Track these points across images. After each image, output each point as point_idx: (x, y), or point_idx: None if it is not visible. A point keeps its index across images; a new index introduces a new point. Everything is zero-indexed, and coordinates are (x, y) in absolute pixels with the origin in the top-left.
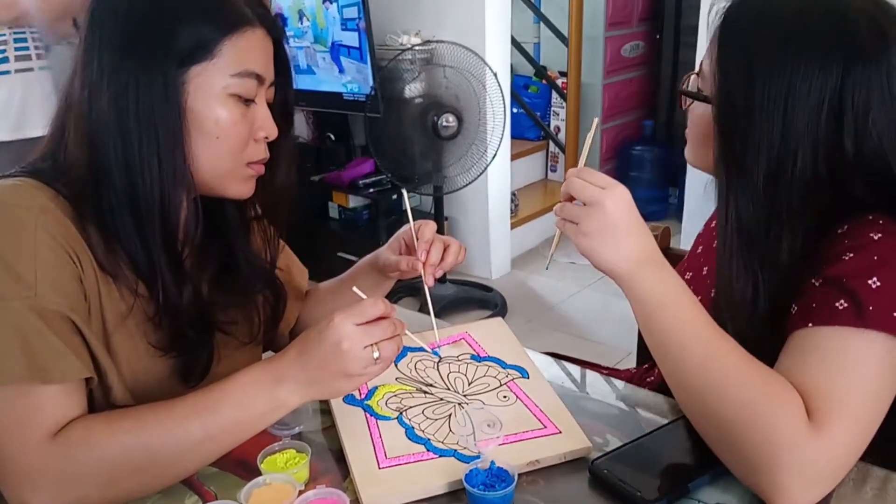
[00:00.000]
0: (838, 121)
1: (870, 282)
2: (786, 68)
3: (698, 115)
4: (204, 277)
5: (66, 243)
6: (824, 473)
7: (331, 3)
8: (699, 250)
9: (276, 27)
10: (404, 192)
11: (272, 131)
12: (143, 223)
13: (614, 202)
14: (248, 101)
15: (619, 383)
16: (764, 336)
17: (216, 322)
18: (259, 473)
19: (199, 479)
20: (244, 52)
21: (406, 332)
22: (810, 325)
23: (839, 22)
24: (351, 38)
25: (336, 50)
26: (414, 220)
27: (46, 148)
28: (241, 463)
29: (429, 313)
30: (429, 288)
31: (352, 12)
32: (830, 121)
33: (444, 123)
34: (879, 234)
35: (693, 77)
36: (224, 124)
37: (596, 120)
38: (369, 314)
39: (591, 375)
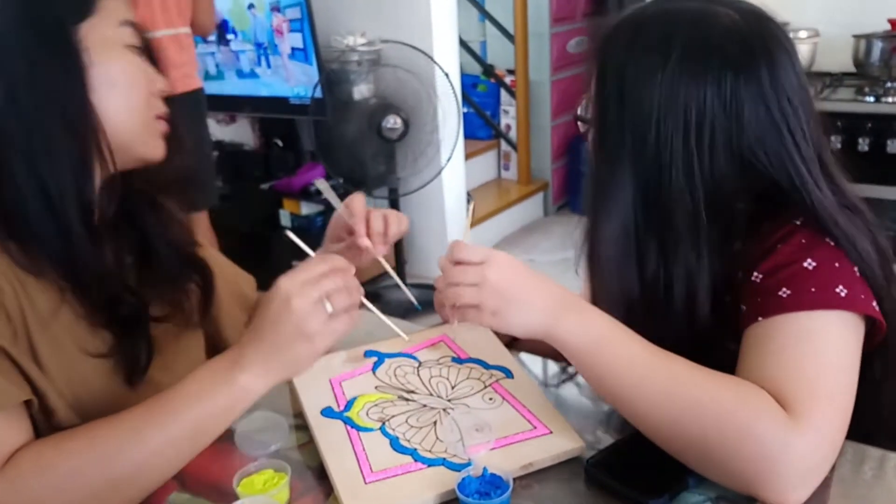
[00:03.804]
0: (712, 138)
1: (805, 264)
2: (655, 91)
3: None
4: (126, 268)
5: None
6: (816, 462)
7: (278, 12)
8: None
9: None
10: (318, 182)
11: (165, 85)
12: (53, 203)
13: (497, 273)
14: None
15: None
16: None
17: (148, 315)
18: (236, 497)
19: None
20: (120, 3)
21: (368, 303)
22: (759, 319)
23: (705, 41)
24: (294, 40)
25: (271, 50)
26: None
27: None
28: (216, 487)
29: (403, 305)
30: (384, 258)
31: (294, 13)
32: (703, 139)
33: (389, 125)
34: (801, 219)
35: (587, 99)
36: (131, 70)
37: (472, 204)
38: (315, 270)
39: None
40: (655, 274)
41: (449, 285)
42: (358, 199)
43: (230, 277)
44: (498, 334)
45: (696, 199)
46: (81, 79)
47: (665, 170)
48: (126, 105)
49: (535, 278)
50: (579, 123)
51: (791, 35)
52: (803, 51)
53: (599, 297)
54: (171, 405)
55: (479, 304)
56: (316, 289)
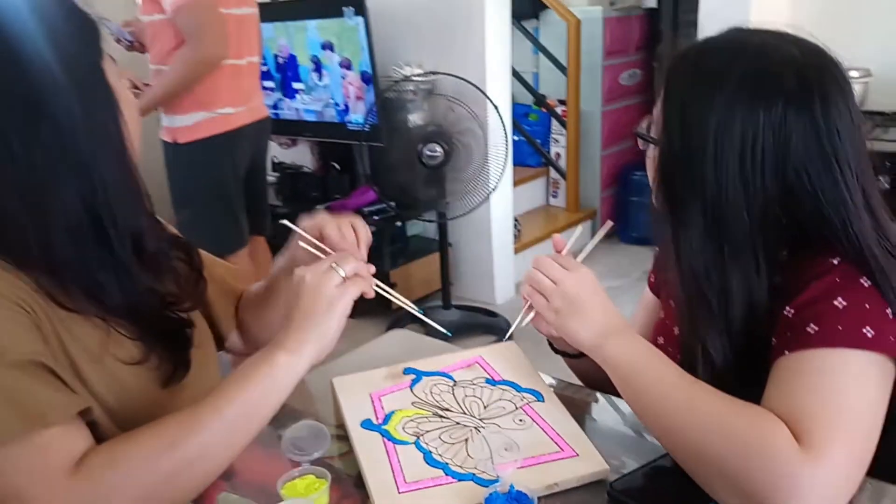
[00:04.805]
0: (763, 160)
1: (835, 302)
2: (713, 113)
3: (651, 158)
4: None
5: (11, 294)
6: (828, 496)
7: (331, 51)
8: (661, 315)
9: None
10: (286, 222)
11: None
12: (107, 236)
13: (575, 283)
14: None
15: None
16: (733, 389)
17: (167, 309)
18: (279, 499)
19: None
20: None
21: (381, 284)
22: (786, 352)
23: (764, 71)
24: (356, 78)
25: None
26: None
27: None
28: (262, 488)
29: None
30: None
31: (355, 52)
32: (756, 161)
33: (429, 153)
34: (839, 258)
35: (648, 120)
36: (132, 99)
37: (609, 223)
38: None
39: (608, 400)
40: (717, 285)
41: (537, 271)
42: (327, 222)
43: (217, 275)
44: (561, 352)
45: (752, 215)
46: (118, 112)
47: (723, 187)
48: (136, 132)
49: (603, 302)
50: (638, 140)
51: None
52: (855, 90)
53: (673, 312)
54: (223, 392)
55: (549, 298)
56: (324, 262)
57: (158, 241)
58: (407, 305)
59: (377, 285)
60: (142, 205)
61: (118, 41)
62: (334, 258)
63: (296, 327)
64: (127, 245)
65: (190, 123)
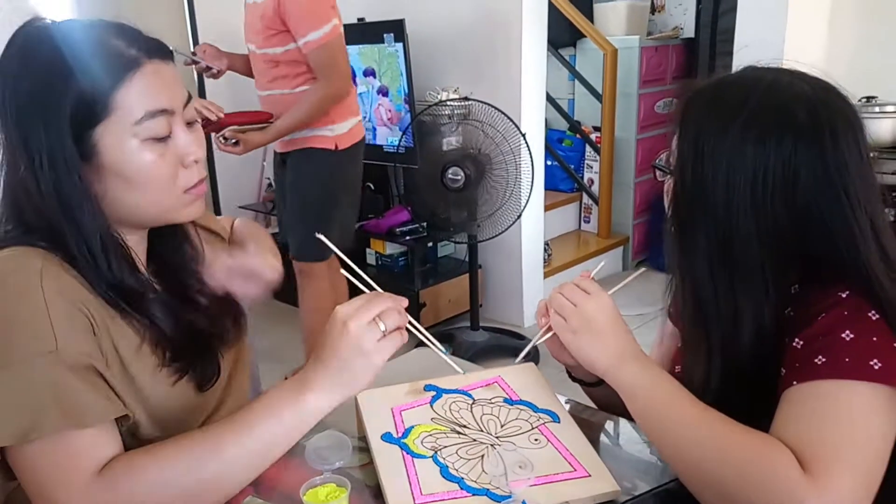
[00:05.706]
0: (772, 192)
1: (843, 335)
2: (726, 145)
3: (669, 189)
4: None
5: (71, 295)
6: None
7: (373, 77)
8: (679, 344)
9: (165, 50)
10: (321, 237)
11: (199, 153)
12: (99, 268)
13: (594, 307)
14: (165, 136)
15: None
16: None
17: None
18: None
19: None
20: (140, 95)
21: (419, 329)
22: (794, 383)
23: (775, 106)
24: (391, 104)
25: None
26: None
27: (6, 213)
28: (285, 494)
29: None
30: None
31: (394, 79)
32: (766, 192)
33: (450, 176)
34: (847, 292)
35: (667, 153)
36: (146, 170)
37: (642, 269)
38: (366, 298)
39: (622, 424)
40: (728, 311)
41: (558, 294)
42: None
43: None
44: (579, 381)
45: (762, 243)
46: (79, 187)
47: (734, 216)
48: (147, 198)
49: (620, 328)
50: (656, 172)
51: (878, 109)
52: (888, 125)
53: (683, 339)
54: (246, 422)
55: (568, 319)
56: (368, 312)
57: (139, 283)
58: (434, 346)
59: (409, 322)
60: (112, 256)
61: (193, 64)
62: (379, 308)
63: (329, 372)
64: (120, 269)
65: (346, 130)
